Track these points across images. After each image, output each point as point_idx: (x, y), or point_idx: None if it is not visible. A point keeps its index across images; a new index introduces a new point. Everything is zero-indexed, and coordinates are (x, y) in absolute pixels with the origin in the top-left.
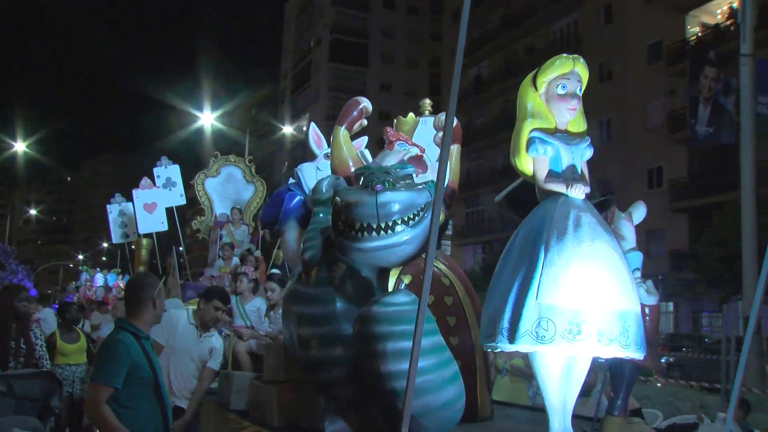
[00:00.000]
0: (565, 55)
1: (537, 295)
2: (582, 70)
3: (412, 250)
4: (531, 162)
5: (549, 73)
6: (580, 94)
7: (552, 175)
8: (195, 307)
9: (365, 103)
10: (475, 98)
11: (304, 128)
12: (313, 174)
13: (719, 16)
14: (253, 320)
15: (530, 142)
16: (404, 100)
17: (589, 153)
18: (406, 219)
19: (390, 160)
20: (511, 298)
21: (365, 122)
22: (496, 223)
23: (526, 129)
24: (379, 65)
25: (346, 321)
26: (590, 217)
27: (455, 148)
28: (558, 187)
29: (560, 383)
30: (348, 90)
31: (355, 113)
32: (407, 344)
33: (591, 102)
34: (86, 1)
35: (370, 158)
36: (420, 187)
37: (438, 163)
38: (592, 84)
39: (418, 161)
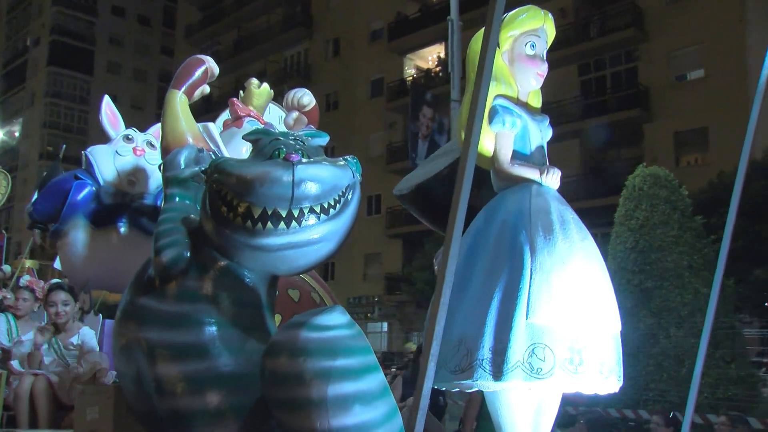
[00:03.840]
0: (534, 6)
1: (527, 313)
2: (551, 28)
3: (329, 250)
4: (492, 138)
5: (515, 27)
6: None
7: (518, 157)
8: None
9: (210, 63)
10: (205, 117)
11: (16, 134)
12: (109, 159)
13: (431, 62)
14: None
15: (493, 112)
16: (131, 113)
17: (549, 134)
18: (326, 206)
19: (240, 140)
20: (491, 317)
21: (207, 89)
22: None
23: (490, 93)
24: (104, 74)
25: (228, 353)
26: (572, 212)
27: None
28: (530, 173)
29: (531, 428)
30: (68, 97)
31: (196, 75)
32: (353, 387)
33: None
34: None
35: (218, 136)
36: (341, 162)
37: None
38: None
39: None
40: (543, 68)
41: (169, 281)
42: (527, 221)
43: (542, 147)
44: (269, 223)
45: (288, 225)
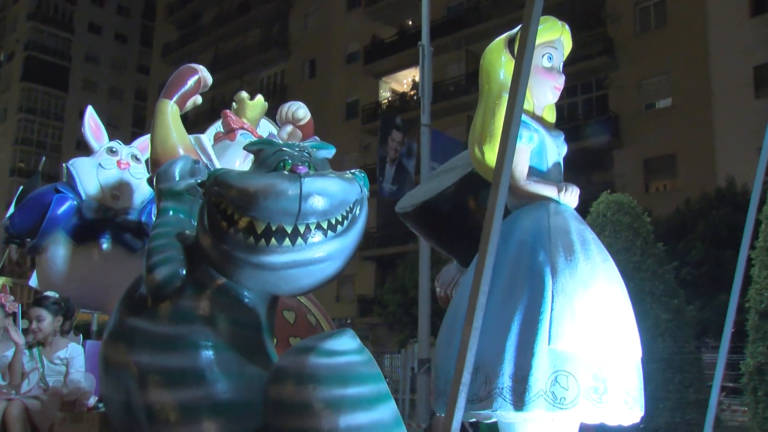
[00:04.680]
0: (551, 17)
1: (549, 338)
2: (567, 40)
3: (335, 269)
4: None
5: None
6: None
7: (534, 173)
8: None
9: (203, 73)
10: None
11: None
12: (92, 172)
13: (406, 86)
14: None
15: None
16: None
17: (565, 150)
18: (333, 222)
19: (233, 154)
20: (510, 343)
21: (200, 99)
22: None
23: (506, 106)
24: (80, 91)
25: (226, 378)
26: (591, 231)
27: None
28: (547, 191)
29: None
30: (43, 113)
31: (188, 84)
32: (366, 418)
33: None
34: None
35: (210, 149)
36: (348, 176)
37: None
38: None
39: None
40: (560, 81)
41: (162, 300)
42: (546, 241)
43: (559, 164)
44: (273, 240)
45: (293, 242)
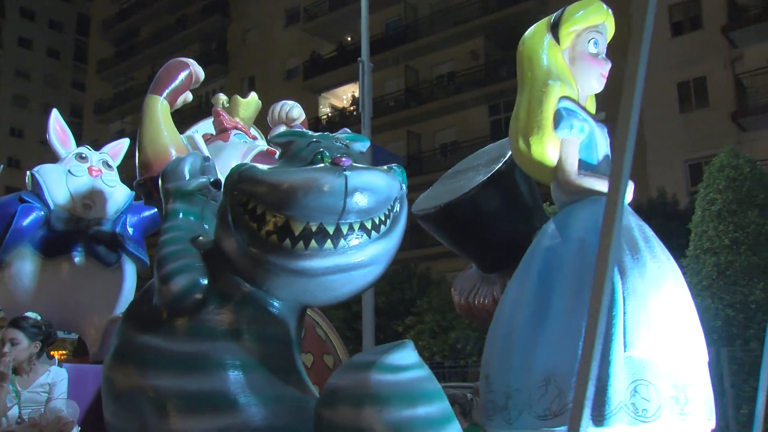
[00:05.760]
0: (597, 0)
1: (625, 345)
2: (611, 25)
3: (375, 276)
4: (555, 145)
5: (577, 22)
6: None
7: (584, 167)
8: None
9: (195, 67)
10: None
11: None
12: (61, 180)
13: (345, 101)
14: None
15: (558, 116)
16: (40, 148)
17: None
18: (377, 222)
19: (228, 156)
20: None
21: (190, 96)
22: None
23: (554, 94)
24: (11, 107)
25: (261, 402)
26: (649, 228)
27: None
28: (602, 186)
29: None
30: None
31: (179, 79)
32: None
33: None
34: None
35: (205, 150)
36: (385, 168)
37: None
38: None
39: (269, 160)
40: (606, 68)
41: (181, 314)
42: None
43: (608, 156)
44: (313, 242)
45: (335, 244)
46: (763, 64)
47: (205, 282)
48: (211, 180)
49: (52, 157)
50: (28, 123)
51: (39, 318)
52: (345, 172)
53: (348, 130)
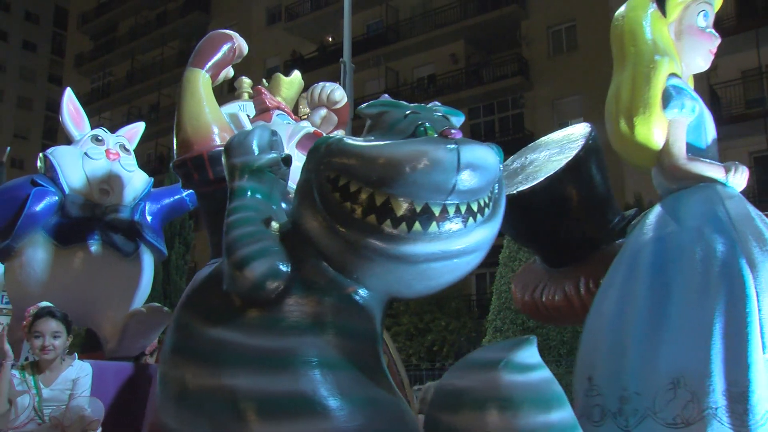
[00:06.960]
0: None
1: (764, 346)
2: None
3: (475, 264)
4: (663, 126)
5: None
6: None
7: (691, 150)
8: None
9: (239, 41)
10: None
11: None
12: (77, 163)
13: None
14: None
15: (666, 94)
16: (14, 142)
17: None
18: (481, 204)
19: None
20: (716, 351)
21: (232, 72)
22: None
23: (662, 70)
24: None
25: (355, 406)
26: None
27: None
28: (713, 171)
29: None
30: None
31: (221, 52)
32: None
33: None
34: None
35: (249, 125)
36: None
37: None
38: None
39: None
40: (716, 44)
41: (258, 305)
42: (730, 229)
43: (716, 140)
44: (417, 224)
45: (440, 227)
46: (736, 76)
47: (287, 268)
48: (282, 156)
49: (26, 152)
50: (3, 116)
51: (54, 308)
52: (457, 146)
53: (438, 103)
